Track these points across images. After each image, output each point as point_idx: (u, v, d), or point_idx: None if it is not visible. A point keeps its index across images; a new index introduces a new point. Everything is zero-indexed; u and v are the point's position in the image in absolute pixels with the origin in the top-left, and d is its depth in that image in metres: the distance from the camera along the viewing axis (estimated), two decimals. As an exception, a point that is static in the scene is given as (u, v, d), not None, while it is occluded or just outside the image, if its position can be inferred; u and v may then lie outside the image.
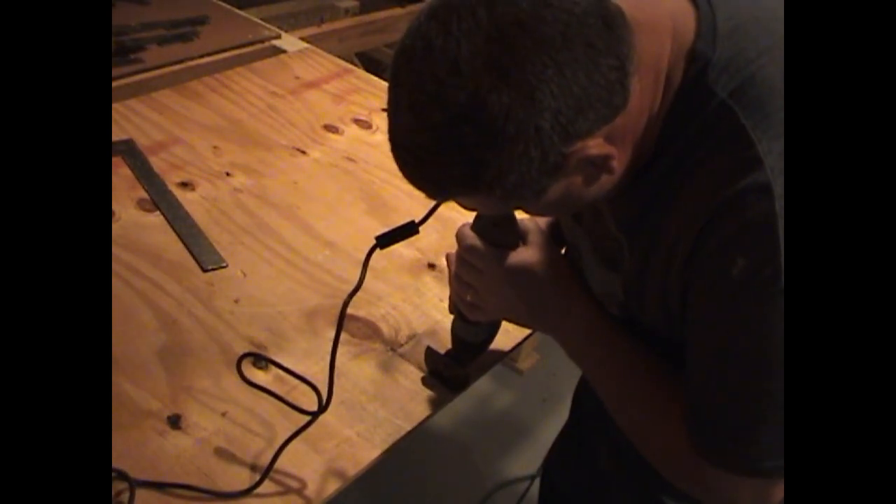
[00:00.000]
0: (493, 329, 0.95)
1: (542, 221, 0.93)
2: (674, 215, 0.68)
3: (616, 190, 0.70)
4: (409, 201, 1.24)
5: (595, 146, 0.61)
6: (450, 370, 0.95)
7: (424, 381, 0.96)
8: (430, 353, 0.97)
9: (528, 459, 1.86)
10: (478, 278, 0.83)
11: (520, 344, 1.05)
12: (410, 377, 0.96)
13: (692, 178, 0.66)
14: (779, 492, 0.70)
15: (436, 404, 0.94)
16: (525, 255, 0.80)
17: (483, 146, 0.58)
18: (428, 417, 0.93)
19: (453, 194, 0.66)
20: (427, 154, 0.60)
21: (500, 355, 1.04)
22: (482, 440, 1.96)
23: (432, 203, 0.81)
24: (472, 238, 0.82)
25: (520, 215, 0.81)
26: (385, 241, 0.81)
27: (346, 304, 0.80)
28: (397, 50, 0.61)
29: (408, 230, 0.82)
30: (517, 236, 0.81)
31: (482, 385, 1.98)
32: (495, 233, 0.81)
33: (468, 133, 0.57)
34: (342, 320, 0.80)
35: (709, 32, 0.64)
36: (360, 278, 0.80)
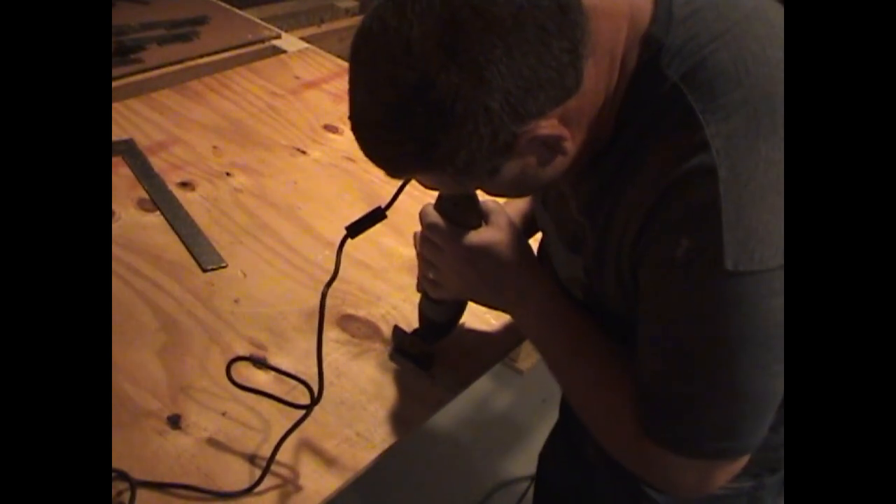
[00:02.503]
0: (459, 309, 0.96)
1: (515, 212, 0.94)
2: (628, 196, 0.69)
3: (576, 172, 0.71)
4: (409, 201, 1.23)
5: (547, 127, 0.63)
6: (415, 348, 0.96)
7: (391, 357, 0.97)
8: (397, 331, 0.98)
9: (528, 459, 1.86)
10: (439, 256, 0.84)
11: (520, 343, 1.05)
12: (410, 377, 0.96)
13: (645, 160, 0.67)
14: (722, 475, 0.71)
15: (436, 404, 0.94)
16: (485, 234, 0.81)
17: (433, 124, 0.59)
18: (428, 417, 0.93)
19: (409, 172, 0.68)
20: (381, 131, 0.62)
21: (500, 355, 1.04)
22: (482, 440, 1.96)
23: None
24: (434, 216, 0.83)
25: (484, 197, 0.81)
26: (355, 229, 0.83)
27: (324, 294, 0.81)
28: (357, 30, 0.63)
29: (375, 216, 0.84)
30: (479, 216, 0.82)
31: (482, 385, 1.98)
32: (456, 212, 0.82)
33: (419, 112, 0.59)
34: (323, 308, 0.81)
35: (664, 17, 0.66)
36: (335, 267, 0.82)
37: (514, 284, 0.82)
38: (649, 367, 0.71)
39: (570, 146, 0.66)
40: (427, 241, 0.85)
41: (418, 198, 0.82)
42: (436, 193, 0.81)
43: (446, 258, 0.84)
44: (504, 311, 0.87)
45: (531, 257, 0.84)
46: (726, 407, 0.67)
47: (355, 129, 0.65)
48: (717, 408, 0.67)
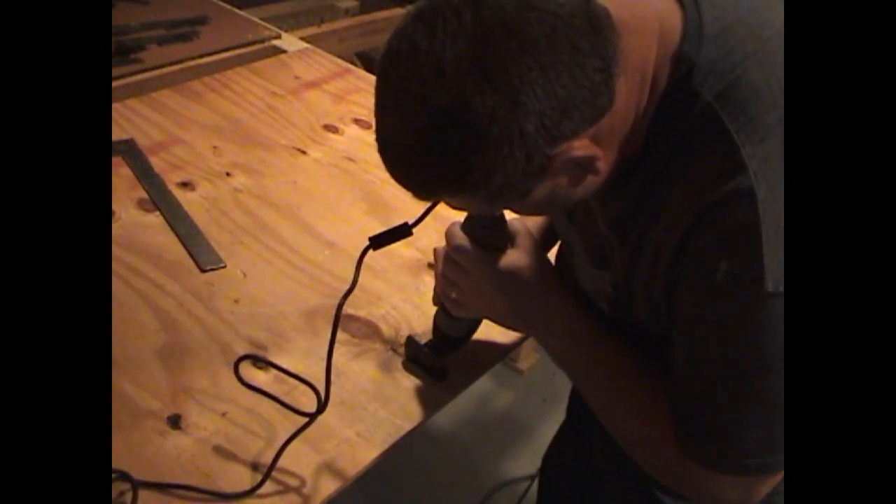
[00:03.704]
0: (475, 324, 0.96)
1: (533, 223, 0.94)
2: (661, 217, 0.68)
3: (604, 190, 0.70)
4: (410, 201, 1.22)
5: (580, 147, 0.62)
6: (429, 360, 0.96)
7: (405, 366, 0.97)
8: (410, 341, 0.97)
9: (528, 459, 1.86)
10: (463, 278, 0.84)
11: (520, 344, 1.05)
12: (410, 377, 0.96)
13: (678, 180, 0.66)
14: (765, 488, 0.71)
15: (436, 404, 0.94)
16: (512, 258, 0.81)
17: (467, 148, 0.58)
18: (428, 417, 0.93)
19: (439, 194, 0.67)
20: (412, 154, 0.61)
21: (500, 355, 1.04)
22: (482, 440, 1.96)
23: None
24: (461, 238, 0.82)
25: (509, 216, 0.81)
26: (378, 242, 0.82)
27: (340, 305, 0.80)
28: (384, 51, 0.61)
29: (401, 231, 0.82)
30: (505, 239, 0.82)
31: (482, 385, 1.98)
32: (484, 234, 0.81)
33: (452, 135, 0.58)
34: (338, 320, 0.81)
35: (695, 35, 0.64)
36: (354, 278, 0.81)
37: (541, 308, 0.82)
38: (689, 388, 0.70)
39: (603, 165, 0.64)
40: (452, 263, 0.84)
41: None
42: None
43: (472, 281, 0.83)
44: (529, 333, 0.86)
45: (556, 280, 0.83)
46: (768, 423, 0.66)
47: (384, 153, 0.64)
48: (760, 424, 0.67)
